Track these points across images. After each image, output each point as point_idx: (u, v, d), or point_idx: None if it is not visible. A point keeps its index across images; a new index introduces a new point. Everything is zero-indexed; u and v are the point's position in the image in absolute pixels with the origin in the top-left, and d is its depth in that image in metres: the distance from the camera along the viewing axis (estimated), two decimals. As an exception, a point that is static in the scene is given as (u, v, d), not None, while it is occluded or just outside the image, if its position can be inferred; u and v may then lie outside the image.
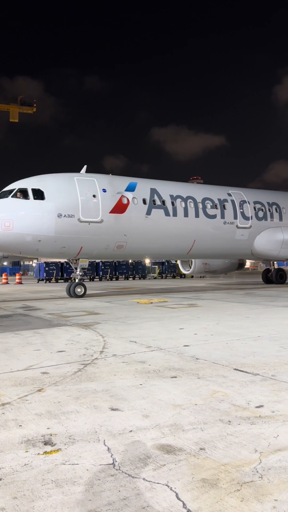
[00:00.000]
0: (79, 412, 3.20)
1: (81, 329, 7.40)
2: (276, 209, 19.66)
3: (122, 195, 15.03)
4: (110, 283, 26.87)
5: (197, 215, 16.87)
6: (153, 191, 16.03)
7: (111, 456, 2.44)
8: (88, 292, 15.55)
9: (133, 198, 15.31)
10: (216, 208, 17.44)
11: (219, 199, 17.69)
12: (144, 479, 2.17)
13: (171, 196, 16.40)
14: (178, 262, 22.16)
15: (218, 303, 11.78)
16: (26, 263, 56.75)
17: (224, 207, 17.70)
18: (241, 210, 18.18)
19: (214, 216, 17.34)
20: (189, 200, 16.80)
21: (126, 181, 15.68)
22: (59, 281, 29.76)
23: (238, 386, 3.76)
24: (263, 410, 3.14)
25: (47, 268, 29.48)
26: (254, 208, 18.75)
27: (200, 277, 32.11)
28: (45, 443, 2.63)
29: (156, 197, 15.97)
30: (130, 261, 31.62)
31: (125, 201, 15.05)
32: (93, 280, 31.07)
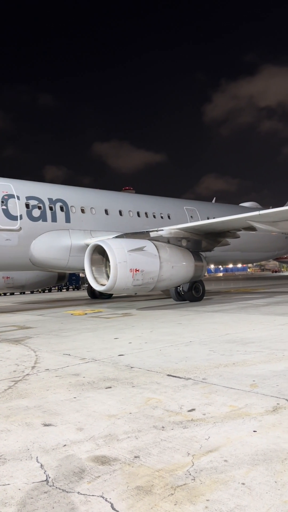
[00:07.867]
0: (9, 430, 3.08)
1: (11, 345, 7.13)
2: (61, 208, 15.26)
3: None
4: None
5: None
6: None
7: (44, 473, 2.38)
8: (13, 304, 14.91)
9: None
10: None
11: None
12: (78, 492, 2.14)
13: None
14: None
15: (152, 311, 11.93)
16: None
17: None
18: (4, 207, 13.73)
19: None
20: None
21: None
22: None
23: (171, 392, 3.84)
24: (195, 414, 3.23)
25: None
26: (27, 205, 14.26)
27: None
28: (-27, 467, 2.50)
29: None
30: None
31: None
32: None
